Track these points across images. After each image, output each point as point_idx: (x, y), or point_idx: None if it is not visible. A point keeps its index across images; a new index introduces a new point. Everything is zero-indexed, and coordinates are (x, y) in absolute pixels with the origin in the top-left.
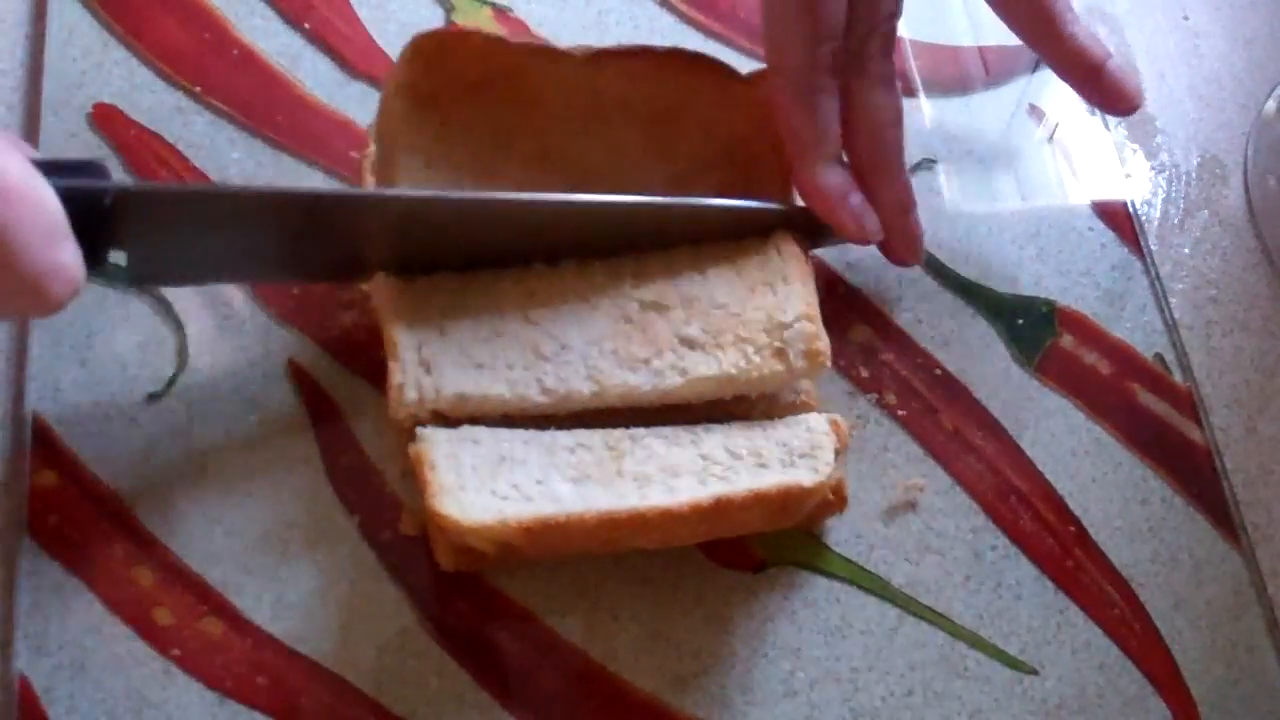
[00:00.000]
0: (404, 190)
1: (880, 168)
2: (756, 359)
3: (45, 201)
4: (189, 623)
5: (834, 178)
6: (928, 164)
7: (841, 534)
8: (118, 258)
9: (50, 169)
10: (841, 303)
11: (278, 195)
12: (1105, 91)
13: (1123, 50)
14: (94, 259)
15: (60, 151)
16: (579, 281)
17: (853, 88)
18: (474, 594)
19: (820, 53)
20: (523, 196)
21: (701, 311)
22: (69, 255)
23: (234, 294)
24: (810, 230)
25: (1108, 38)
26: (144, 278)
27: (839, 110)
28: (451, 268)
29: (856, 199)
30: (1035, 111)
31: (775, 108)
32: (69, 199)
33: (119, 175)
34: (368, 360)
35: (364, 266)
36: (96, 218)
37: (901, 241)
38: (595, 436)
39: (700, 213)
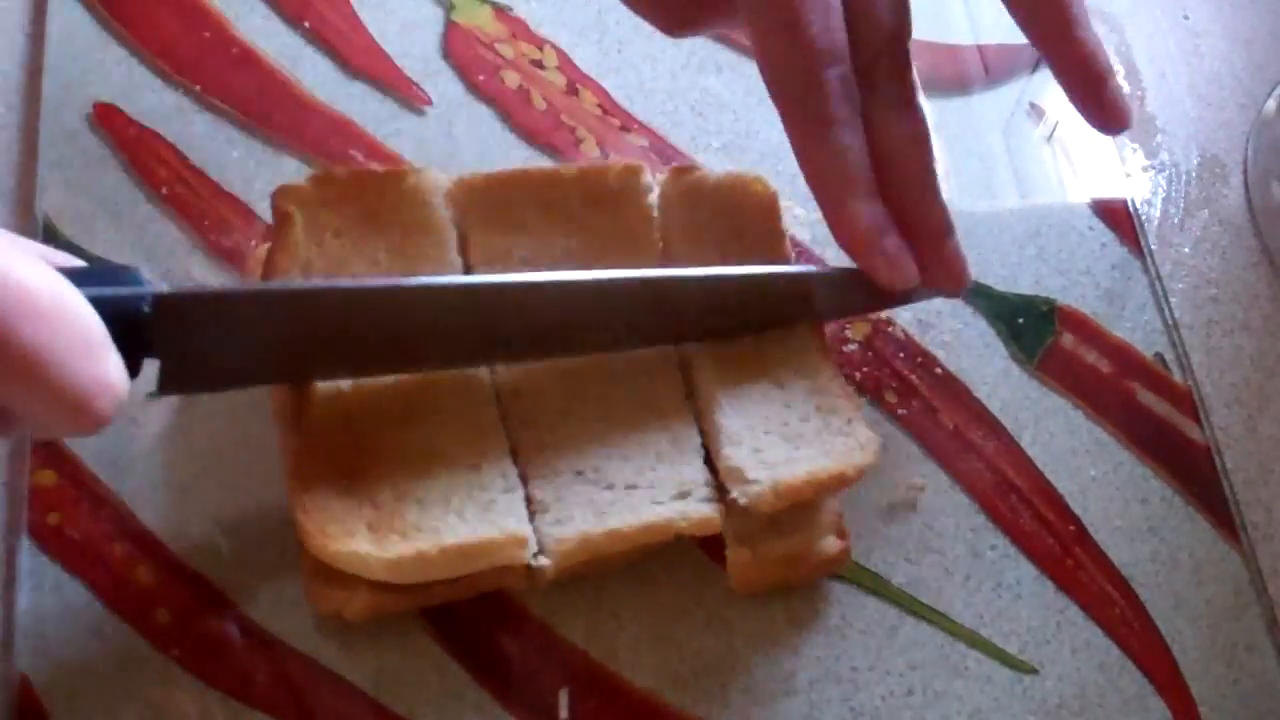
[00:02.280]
0: (452, 279)
1: (909, 196)
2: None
3: (80, 315)
4: (189, 623)
5: (867, 215)
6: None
7: None
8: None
9: (81, 277)
10: None
11: (320, 293)
12: (1104, 105)
13: (1122, 50)
14: (129, 369)
15: (62, 151)
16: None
17: (874, 114)
18: (475, 595)
19: (826, 79)
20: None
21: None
22: (112, 368)
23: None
24: (855, 292)
25: (1107, 37)
26: (176, 386)
27: (863, 139)
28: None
29: (892, 242)
30: (1035, 111)
31: (793, 147)
32: (103, 308)
33: (118, 174)
34: None
35: (414, 360)
36: (132, 326)
37: (942, 271)
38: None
39: (724, 288)
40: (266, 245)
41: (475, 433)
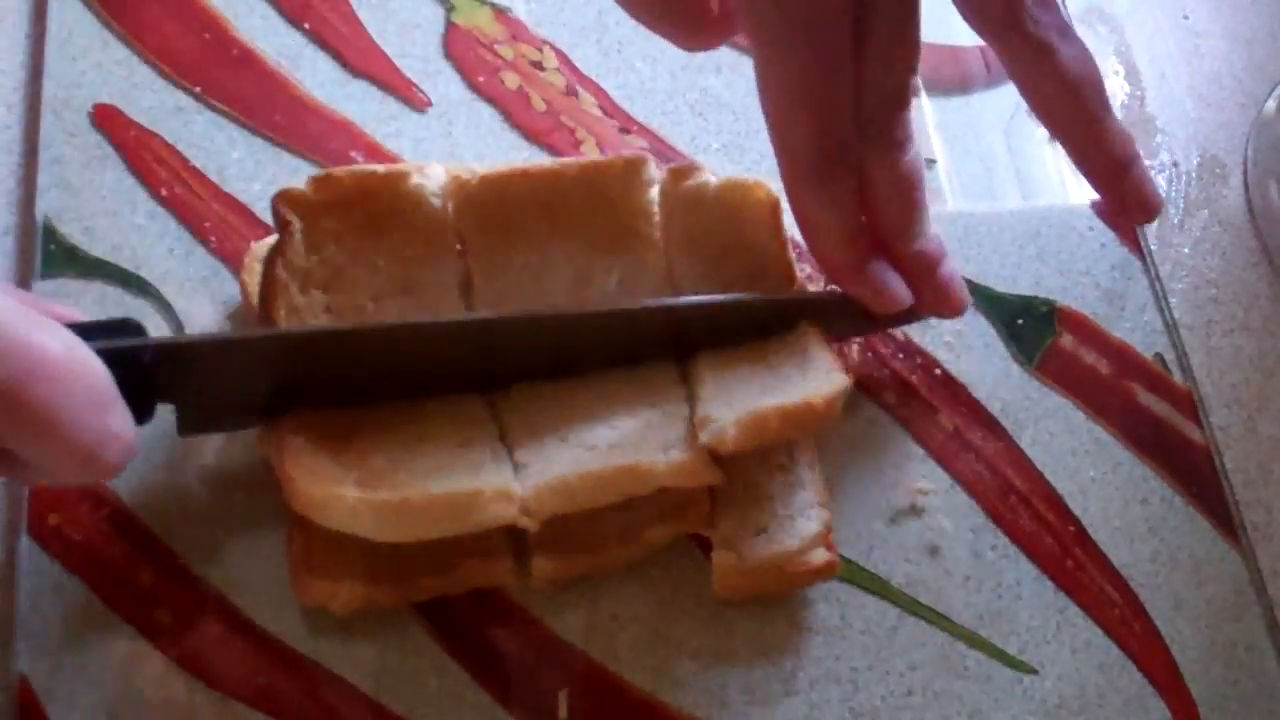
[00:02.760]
0: (439, 319)
1: (900, 231)
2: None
3: (91, 371)
4: (189, 622)
5: (851, 251)
6: (928, 163)
7: (841, 534)
8: (164, 409)
9: (85, 331)
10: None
11: (318, 335)
12: (1126, 194)
13: (1122, 50)
14: (141, 413)
15: (62, 152)
16: None
17: (868, 157)
18: (474, 594)
19: (829, 135)
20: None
21: None
22: (120, 421)
23: (234, 293)
24: (846, 315)
25: (1107, 37)
26: (194, 426)
27: (856, 185)
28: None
29: (876, 266)
30: None
31: (786, 189)
32: (109, 360)
33: (118, 174)
34: None
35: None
36: (138, 374)
37: (934, 298)
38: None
39: (715, 314)
40: (259, 242)
41: (464, 417)
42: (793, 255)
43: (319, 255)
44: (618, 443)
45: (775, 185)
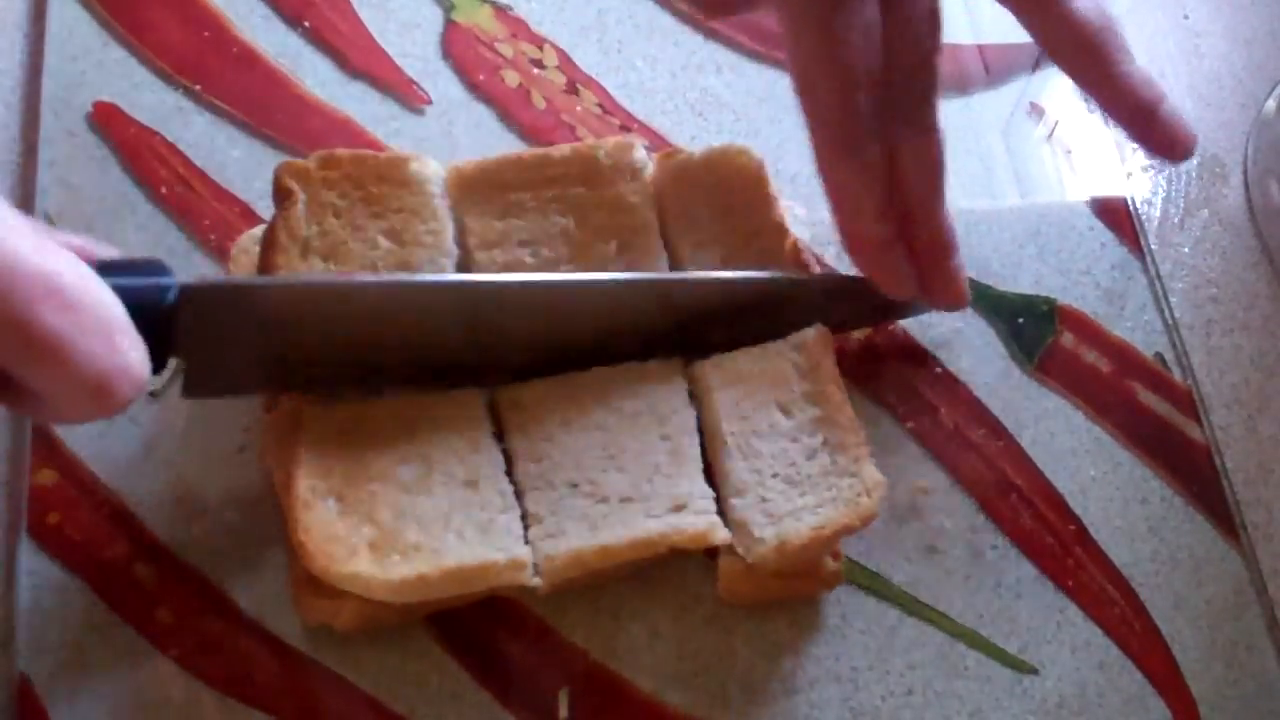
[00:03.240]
0: (485, 277)
1: (919, 213)
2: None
3: (103, 301)
4: (189, 622)
5: (877, 230)
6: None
7: None
8: (176, 365)
9: (107, 269)
10: None
11: (357, 287)
12: (1158, 135)
13: None
14: (154, 363)
15: (62, 151)
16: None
17: (892, 134)
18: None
19: (858, 99)
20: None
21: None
22: (133, 353)
23: None
24: (862, 301)
25: None
26: (200, 386)
27: (885, 158)
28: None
29: (895, 256)
30: (1035, 110)
31: (818, 159)
32: (128, 299)
33: (118, 173)
34: None
35: (430, 360)
36: (158, 319)
37: (941, 287)
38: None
39: (727, 290)
40: (248, 232)
41: (470, 446)
42: (783, 214)
43: (319, 226)
44: (628, 494)
45: (775, 181)
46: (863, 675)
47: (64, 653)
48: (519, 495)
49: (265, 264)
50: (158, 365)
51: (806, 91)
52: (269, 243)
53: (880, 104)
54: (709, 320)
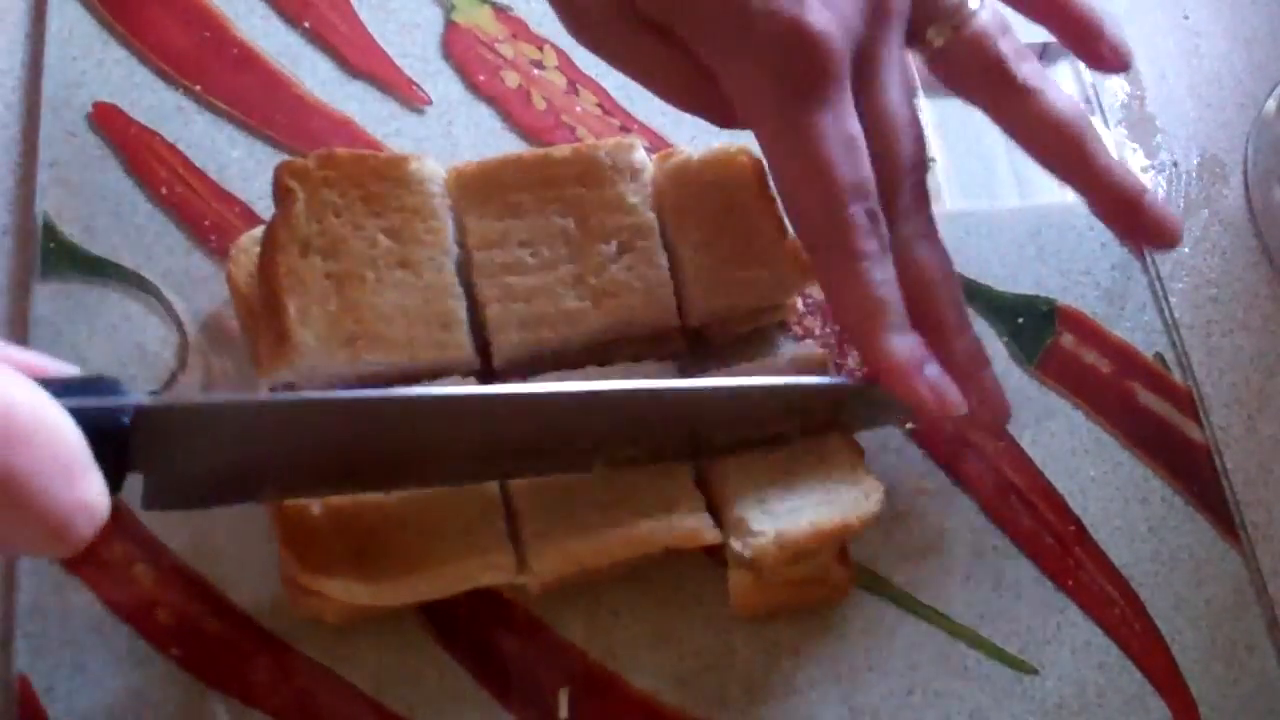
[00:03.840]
0: (454, 390)
1: (936, 329)
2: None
3: (63, 435)
4: (189, 621)
5: (904, 347)
6: (928, 163)
7: None
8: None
9: (58, 389)
10: None
11: (315, 404)
12: (1147, 224)
13: None
14: (111, 482)
15: (62, 151)
16: None
17: (903, 239)
18: (474, 593)
19: (851, 214)
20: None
21: None
22: (93, 489)
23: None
24: (885, 408)
25: None
26: (161, 501)
27: (893, 266)
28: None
29: (934, 369)
30: None
31: (821, 285)
32: (82, 421)
33: (118, 173)
34: None
35: (418, 476)
36: (114, 438)
37: (980, 404)
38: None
39: (746, 399)
40: (247, 233)
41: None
42: (782, 214)
43: (319, 224)
44: (620, 497)
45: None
46: (863, 675)
47: (64, 653)
48: (506, 502)
49: (265, 263)
50: (116, 483)
51: (796, 212)
52: (269, 241)
53: (880, 221)
54: (719, 429)
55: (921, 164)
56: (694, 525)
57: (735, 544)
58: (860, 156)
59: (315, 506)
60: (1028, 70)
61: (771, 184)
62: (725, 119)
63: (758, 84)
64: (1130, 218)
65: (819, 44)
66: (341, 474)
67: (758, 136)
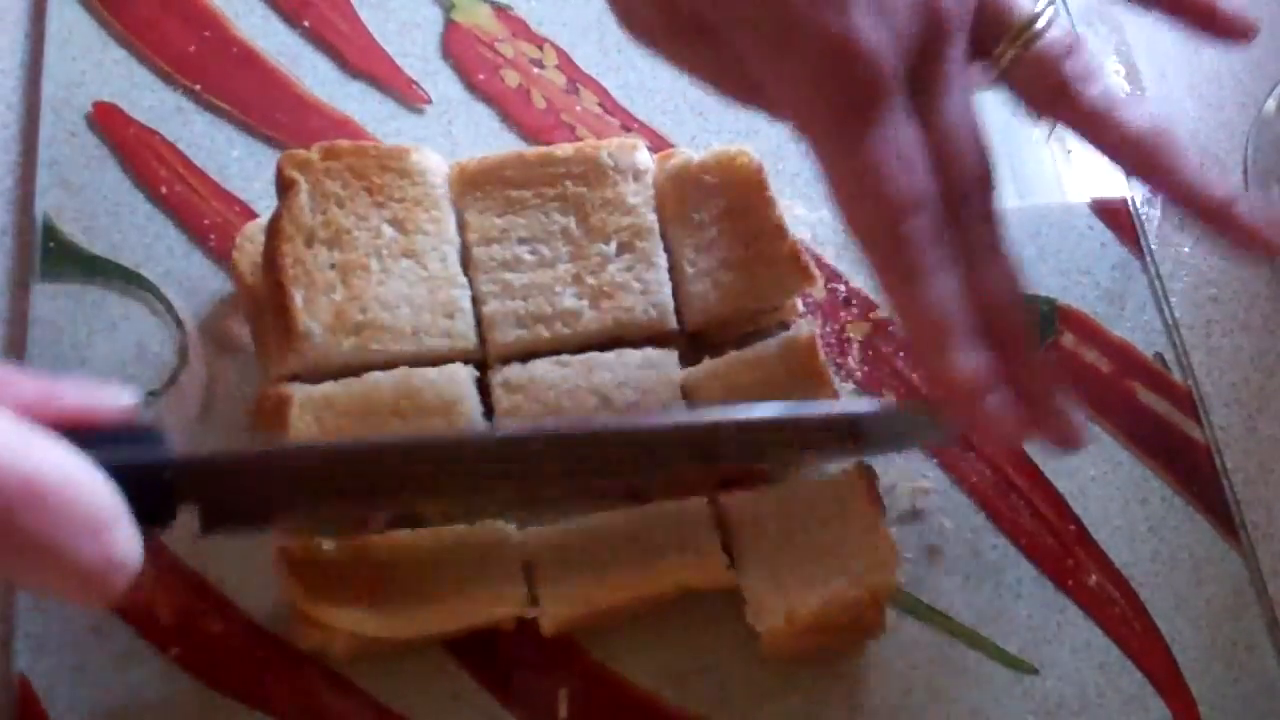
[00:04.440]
0: (469, 432)
1: (1014, 340)
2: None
3: (91, 493)
4: (189, 621)
5: (972, 366)
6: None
7: None
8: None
9: (103, 440)
10: (841, 301)
11: (340, 451)
12: (1240, 231)
13: (1122, 50)
14: (162, 517)
15: (62, 151)
16: None
17: (972, 248)
18: None
19: (914, 228)
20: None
21: None
22: (122, 545)
23: (234, 293)
24: (908, 434)
25: (1107, 37)
26: (218, 530)
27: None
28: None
29: (996, 399)
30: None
31: (885, 294)
32: (122, 476)
33: (118, 173)
34: None
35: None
36: (156, 485)
37: (1053, 431)
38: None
39: (754, 432)
40: (254, 222)
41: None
42: (782, 215)
43: (324, 215)
44: (633, 536)
45: (775, 181)
46: (863, 675)
47: (64, 653)
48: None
49: (270, 254)
50: (166, 517)
51: (855, 225)
52: (273, 232)
53: (944, 232)
54: (737, 454)
55: (987, 177)
56: (710, 566)
57: (749, 618)
58: (916, 169)
59: (325, 545)
60: (1095, 92)
61: (772, 187)
62: (749, 102)
63: (806, 97)
64: (1224, 225)
65: (869, 62)
66: (376, 506)
67: (810, 146)
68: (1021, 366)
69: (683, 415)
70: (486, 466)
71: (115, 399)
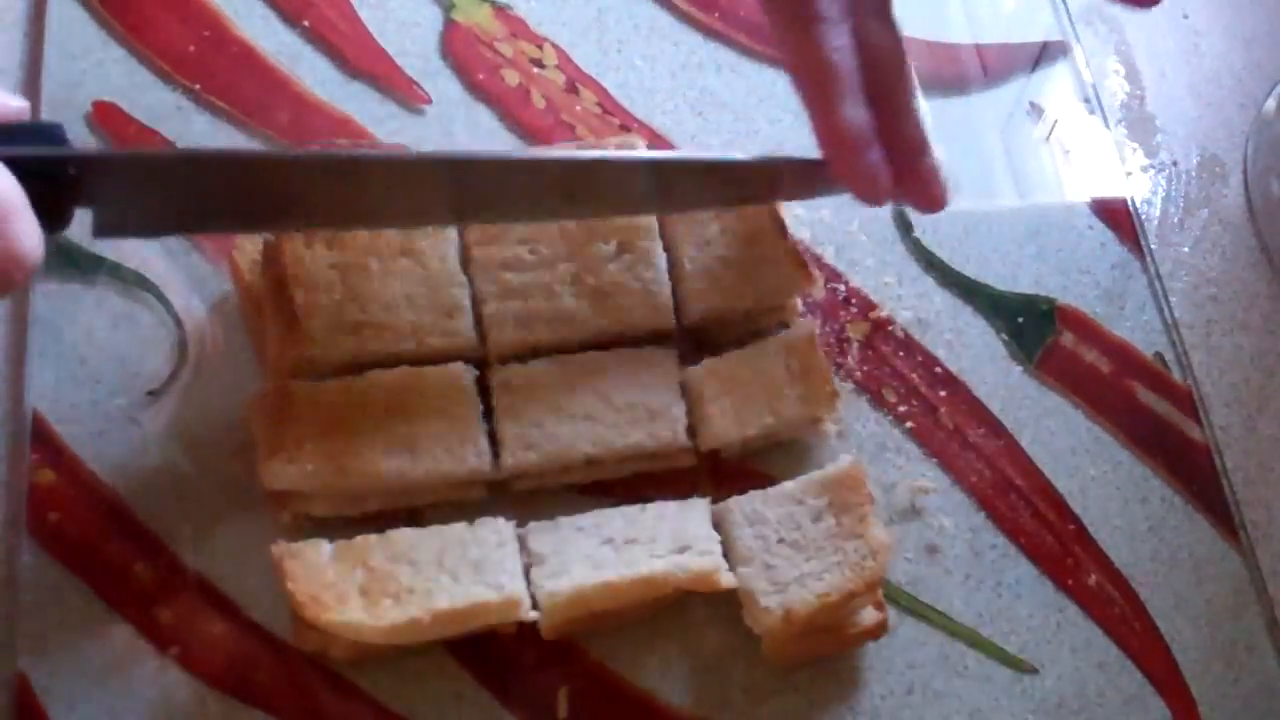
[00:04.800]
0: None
1: (888, 106)
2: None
3: None
4: (189, 620)
5: (856, 120)
6: None
7: None
8: (83, 215)
9: (4, 138)
10: (841, 301)
11: (224, 156)
12: (915, 182)
13: (1122, 50)
14: (58, 220)
15: None
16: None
17: (862, 22)
18: None
19: None
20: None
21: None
22: (25, 238)
23: (232, 293)
24: (805, 180)
25: (1107, 37)
26: (110, 230)
27: (850, 39)
28: (376, 224)
29: (875, 154)
30: (1034, 110)
31: (778, 46)
32: (24, 170)
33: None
34: None
35: (297, 220)
36: (57, 183)
37: (919, 186)
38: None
39: (679, 169)
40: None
41: (458, 428)
42: (782, 218)
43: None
44: (633, 536)
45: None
46: (863, 675)
47: (64, 653)
48: (520, 541)
49: (270, 254)
50: (64, 219)
51: None
52: (269, 248)
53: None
54: (673, 185)
55: None
56: (709, 568)
57: (746, 620)
58: None
59: (324, 547)
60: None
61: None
62: None
63: None
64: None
65: None
66: (267, 215)
67: None
68: (898, 124)
69: (611, 154)
70: (385, 188)
71: (8, 100)
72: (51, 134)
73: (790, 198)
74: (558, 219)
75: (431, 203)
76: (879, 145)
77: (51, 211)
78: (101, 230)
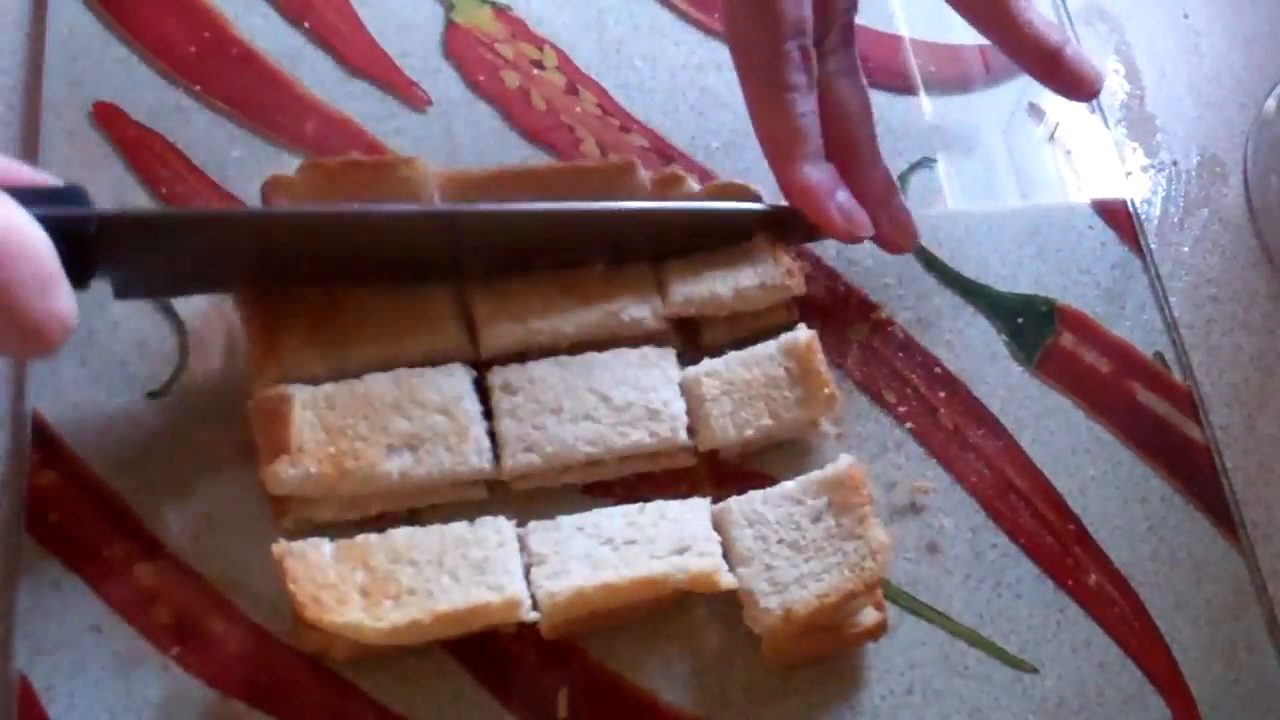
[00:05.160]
0: (404, 207)
1: (857, 159)
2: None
3: (39, 251)
4: (189, 621)
5: (817, 174)
6: (928, 162)
7: None
8: (101, 279)
9: (32, 198)
10: (841, 301)
11: (247, 217)
12: (1063, 78)
13: (1122, 49)
14: (78, 281)
15: (62, 151)
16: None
17: (820, 82)
18: None
19: (787, 49)
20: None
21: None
22: (63, 300)
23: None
24: (794, 228)
25: (1107, 36)
26: (130, 294)
27: (816, 102)
28: (390, 280)
29: (843, 195)
30: (1035, 110)
31: (749, 110)
32: (53, 229)
33: (118, 173)
34: None
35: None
36: (80, 245)
37: (892, 228)
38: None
39: (668, 219)
40: None
41: (459, 429)
42: (782, 247)
43: None
44: (632, 537)
45: (759, 187)
46: (863, 674)
47: (64, 653)
48: (521, 541)
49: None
50: (82, 282)
51: (737, 41)
52: None
53: (812, 59)
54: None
55: (853, 7)
56: (708, 568)
57: (746, 621)
58: (804, 4)
59: (325, 546)
60: None
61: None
62: None
63: None
64: (1050, 68)
65: None
66: (290, 275)
67: None
68: (865, 174)
69: (595, 206)
70: (417, 242)
71: (26, 168)
72: (74, 196)
73: (788, 241)
74: (553, 269)
75: (438, 258)
76: (845, 189)
77: (74, 274)
78: (121, 292)
